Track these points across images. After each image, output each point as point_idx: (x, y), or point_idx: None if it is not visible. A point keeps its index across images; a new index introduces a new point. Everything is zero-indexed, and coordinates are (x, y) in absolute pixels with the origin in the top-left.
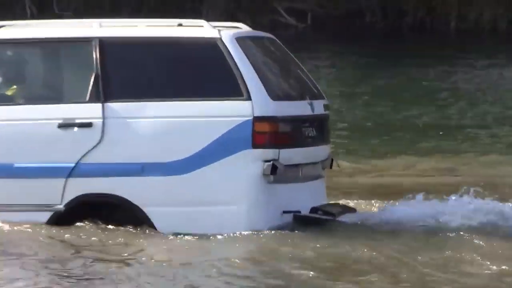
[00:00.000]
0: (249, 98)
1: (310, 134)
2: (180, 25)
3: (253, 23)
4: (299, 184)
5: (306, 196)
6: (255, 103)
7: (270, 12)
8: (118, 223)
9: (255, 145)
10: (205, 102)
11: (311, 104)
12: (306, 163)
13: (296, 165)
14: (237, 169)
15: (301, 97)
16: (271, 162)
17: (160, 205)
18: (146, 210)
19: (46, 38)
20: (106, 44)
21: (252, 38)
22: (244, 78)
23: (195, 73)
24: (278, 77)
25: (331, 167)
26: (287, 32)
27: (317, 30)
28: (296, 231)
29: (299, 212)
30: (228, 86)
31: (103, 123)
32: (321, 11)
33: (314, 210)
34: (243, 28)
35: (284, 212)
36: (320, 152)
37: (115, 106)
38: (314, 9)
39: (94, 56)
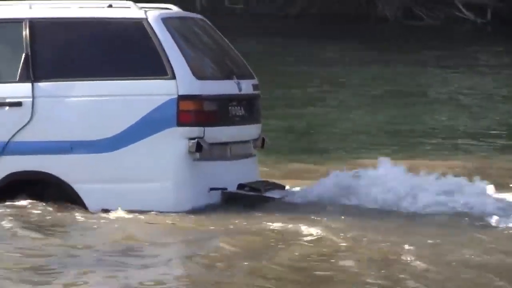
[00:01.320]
0: (173, 77)
1: (237, 113)
2: (110, 6)
3: (427, 17)
4: (228, 162)
5: (236, 175)
6: (180, 82)
7: (447, 5)
8: (52, 200)
9: (180, 123)
10: (131, 81)
11: (238, 84)
12: (235, 141)
13: (225, 144)
14: (163, 147)
15: (228, 77)
16: (196, 140)
17: (89, 182)
18: (75, 187)
19: None
20: (35, 25)
21: (181, 19)
22: (169, 58)
23: (122, 53)
24: (204, 57)
25: (262, 146)
26: (464, 27)
27: (497, 27)
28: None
29: (226, 189)
30: (153, 66)
31: (33, 102)
32: (502, 5)
33: (241, 186)
34: (173, 9)
35: (211, 189)
36: (249, 131)
37: (45, 86)
38: (495, 4)
39: (24, 36)
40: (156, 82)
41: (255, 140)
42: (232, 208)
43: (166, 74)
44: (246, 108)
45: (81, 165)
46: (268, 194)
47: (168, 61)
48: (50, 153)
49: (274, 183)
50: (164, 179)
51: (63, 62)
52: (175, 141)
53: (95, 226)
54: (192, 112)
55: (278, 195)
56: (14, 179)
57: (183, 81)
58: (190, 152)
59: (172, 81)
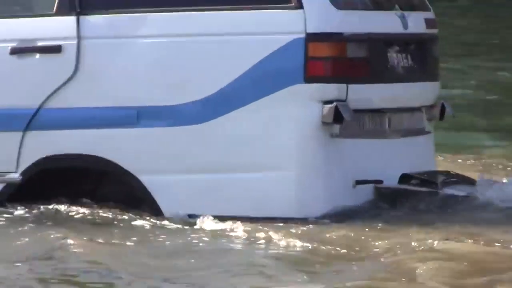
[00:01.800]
0: (299, 5)
1: (401, 64)
2: None
3: None
4: (385, 142)
5: (397, 161)
6: (309, 13)
7: None
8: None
9: (309, 78)
10: (227, 12)
11: (402, 17)
12: (397, 108)
13: (380, 112)
14: (281, 116)
15: (386, 6)
16: (334, 104)
17: (164, 172)
18: (143, 179)
19: None
20: None
21: None
22: None
23: None
24: None
25: (441, 118)
26: None
27: None
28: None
29: (381, 182)
30: None
31: (78, 46)
32: None
33: (406, 178)
34: None
35: (358, 182)
36: (421, 92)
37: (97, 21)
38: None
39: None
40: (269, 13)
41: (430, 107)
42: (391, 213)
43: (287, 0)
44: (416, 56)
45: (154, 145)
46: (449, 190)
47: None
48: (103, 126)
49: (458, 175)
50: (284, 167)
51: None
52: (300, 106)
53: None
54: (329, 60)
55: (463, 192)
56: (48, 167)
57: (315, 12)
58: (324, 123)
59: (297, 12)
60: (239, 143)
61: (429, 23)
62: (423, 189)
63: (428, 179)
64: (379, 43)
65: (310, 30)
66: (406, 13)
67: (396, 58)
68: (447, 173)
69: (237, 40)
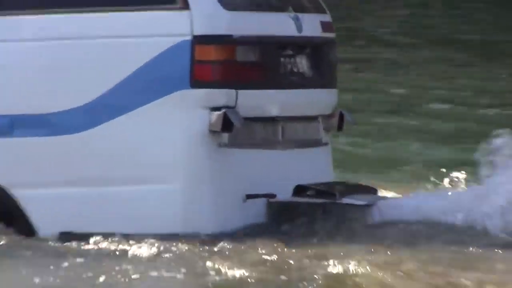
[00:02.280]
0: (186, 6)
1: (296, 69)
2: None
3: None
4: (277, 154)
5: (292, 173)
6: (196, 14)
7: None
8: None
9: (196, 83)
10: (109, 13)
11: (296, 19)
12: (291, 117)
13: (273, 120)
14: (166, 124)
15: (278, 7)
16: (223, 111)
17: (38, 185)
18: (15, 193)
19: None
20: None
21: None
22: None
23: None
24: None
25: (340, 128)
26: None
27: None
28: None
29: (274, 196)
30: None
31: None
32: None
33: (300, 189)
34: None
35: (249, 197)
36: (317, 100)
37: None
38: None
39: None
40: (154, 14)
41: (327, 117)
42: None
43: (172, 1)
44: (311, 61)
45: (26, 155)
46: (348, 200)
47: None
48: None
49: (358, 185)
50: (169, 179)
51: None
52: (187, 113)
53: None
54: (217, 64)
55: (363, 201)
56: None
57: (202, 12)
58: (212, 131)
59: (184, 13)
60: (121, 153)
61: (325, 26)
62: (319, 200)
63: (325, 189)
64: (271, 47)
65: (197, 32)
66: (300, 15)
67: (290, 62)
68: (345, 184)
69: (119, 43)
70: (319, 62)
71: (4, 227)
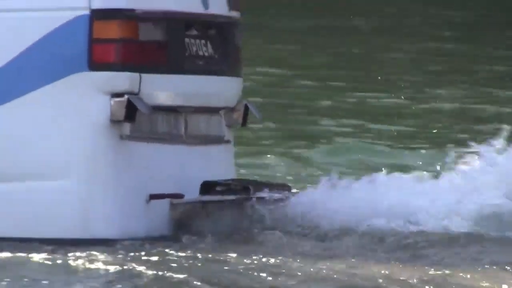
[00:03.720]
0: None
1: (200, 53)
2: None
3: None
4: (182, 149)
5: (197, 172)
6: None
7: None
8: None
9: (94, 65)
10: None
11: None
12: (194, 109)
13: (175, 111)
14: (61, 112)
15: None
16: (126, 97)
17: None
18: None
19: None
20: None
21: None
22: None
23: None
24: None
25: (244, 124)
26: None
27: None
28: None
29: (182, 196)
30: None
31: None
32: None
33: (207, 186)
34: None
35: (152, 197)
36: (222, 89)
37: None
38: None
39: None
40: None
41: (230, 110)
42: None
43: None
44: (216, 44)
45: None
46: (261, 194)
47: None
48: None
49: (270, 182)
50: (63, 175)
51: None
52: (84, 99)
53: None
54: (119, 43)
55: (277, 195)
56: None
57: None
58: (113, 121)
59: None
60: (6, 145)
61: (232, 3)
62: (231, 197)
63: (237, 185)
64: (177, 25)
65: (96, 5)
66: None
67: (195, 44)
68: (256, 180)
69: (5, 17)
70: (224, 45)
71: None
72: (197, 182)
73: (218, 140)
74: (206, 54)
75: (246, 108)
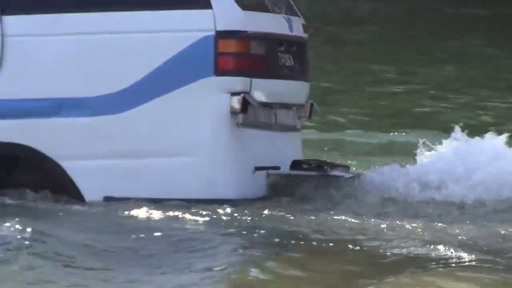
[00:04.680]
0: (209, 5)
1: (286, 63)
2: None
3: None
4: (271, 134)
5: (278, 153)
6: (218, 12)
7: None
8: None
9: (219, 72)
10: (142, 12)
11: (288, 20)
12: (281, 104)
13: (269, 106)
14: (193, 106)
15: (276, 9)
16: (242, 95)
17: (85, 157)
18: (64, 165)
19: None
20: None
21: None
22: None
23: None
24: None
25: (310, 116)
26: None
27: None
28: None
29: (278, 168)
30: None
31: (2, 43)
32: None
33: (295, 164)
34: None
35: (257, 168)
36: (297, 90)
37: (18, 21)
38: None
39: None
40: (182, 13)
41: (300, 106)
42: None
43: (196, 1)
44: (296, 57)
45: (72, 133)
46: (336, 172)
47: None
48: (26, 116)
49: (332, 163)
50: (195, 152)
51: None
52: (211, 97)
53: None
54: (236, 55)
55: (349, 174)
56: None
57: (223, 11)
58: (232, 113)
59: (207, 11)
60: (156, 131)
61: (304, 28)
62: (313, 173)
63: (316, 164)
64: (274, 43)
65: (219, 28)
66: (291, 18)
67: (283, 57)
68: (327, 161)
69: (153, 36)
70: (300, 58)
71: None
72: (282, 159)
73: (293, 128)
74: (289, 64)
75: (311, 105)
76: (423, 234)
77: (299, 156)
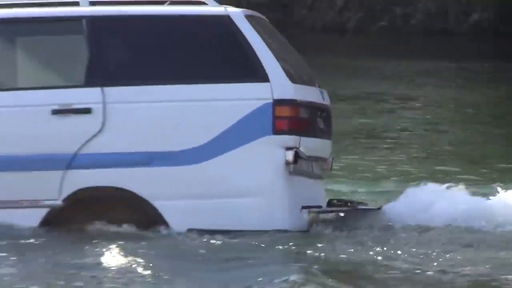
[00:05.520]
0: (267, 79)
1: (320, 125)
2: (172, 2)
3: None
4: (310, 181)
5: (314, 196)
6: (274, 85)
7: None
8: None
9: (276, 131)
10: (216, 85)
11: (321, 92)
12: (315, 157)
13: (309, 159)
14: (256, 158)
15: (312, 83)
16: (294, 149)
17: (171, 198)
18: (156, 204)
19: (30, 18)
20: (99, 23)
21: (254, 17)
22: (260, 58)
23: (202, 53)
24: (286, 59)
25: (331, 169)
26: None
27: None
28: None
29: (320, 207)
30: (240, 67)
31: (104, 109)
32: None
33: (329, 203)
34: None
35: (303, 207)
36: (326, 147)
37: (116, 91)
38: None
39: (88, 36)
40: (246, 85)
41: (324, 160)
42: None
43: (257, 76)
44: (324, 121)
45: (162, 179)
46: (363, 206)
47: (259, 61)
48: (125, 166)
49: (353, 200)
50: (258, 194)
51: (134, 65)
52: (270, 150)
53: None
54: (289, 118)
55: (374, 207)
56: (83, 196)
57: (278, 84)
58: (286, 163)
59: (266, 84)
60: (227, 177)
61: (328, 98)
62: (346, 208)
63: (346, 202)
64: (315, 109)
65: (276, 97)
66: (321, 90)
67: (318, 120)
68: (349, 200)
69: (224, 104)
70: (327, 122)
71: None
72: (315, 201)
73: (320, 177)
74: (321, 126)
75: (332, 159)
76: None
77: (324, 199)
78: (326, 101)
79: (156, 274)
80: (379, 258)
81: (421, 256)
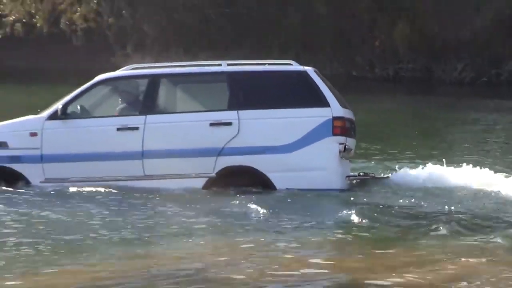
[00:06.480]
0: (328, 105)
1: (352, 131)
2: (271, 64)
3: None
4: (347, 162)
5: (348, 170)
6: (333, 109)
7: None
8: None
9: (334, 134)
10: (300, 109)
11: (352, 112)
12: (350, 149)
13: (348, 149)
14: (323, 148)
15: (348, 107)
16: (344, 144)
17: (277, 171)
18: (269, 175)
19: (197, 73)
20: (234, 76)
21: (317, 71)
22: (324, 94)
23: (292, 92)
24: (336, 94)
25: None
26: None
27: None
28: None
29: (355, 175)
30: (314, 99)
31: (239, 122)
32: None
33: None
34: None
35: (347, 176)
36: (354, 143)
37: (245, 112)
38: None
39: (228, 83)
40: (317, 109)
41: (349, 150)
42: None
43: (323, 104)
44: (354, 128)
45: (272, 161)
46: (377, 175)
47: (324, 96)
48: (251, 154)
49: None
50: (326, 168)
51: (255, 98)
52: (331, 145)
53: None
54: (340, 127)
55: (386, 176)
56: (228, 171)
57: (334, 108)
58: (340, 151)
59: (328, 108)
60: (308, 160)
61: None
62: (368, 177)
63: (365, 173)
64: (351, 122)
65: (334, 115)
66: (351, 110)
67: (352, 128)
68: (366, 172)
69: (306, 120)
70: (354, 129)
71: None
72: (349, 173)
73: (349, 159)
74: (352, 131)
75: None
76: None
77: (349, 172)
78: (354, 117)
79: (264, 213)
80: (383, 200)
81: (413, 200)
